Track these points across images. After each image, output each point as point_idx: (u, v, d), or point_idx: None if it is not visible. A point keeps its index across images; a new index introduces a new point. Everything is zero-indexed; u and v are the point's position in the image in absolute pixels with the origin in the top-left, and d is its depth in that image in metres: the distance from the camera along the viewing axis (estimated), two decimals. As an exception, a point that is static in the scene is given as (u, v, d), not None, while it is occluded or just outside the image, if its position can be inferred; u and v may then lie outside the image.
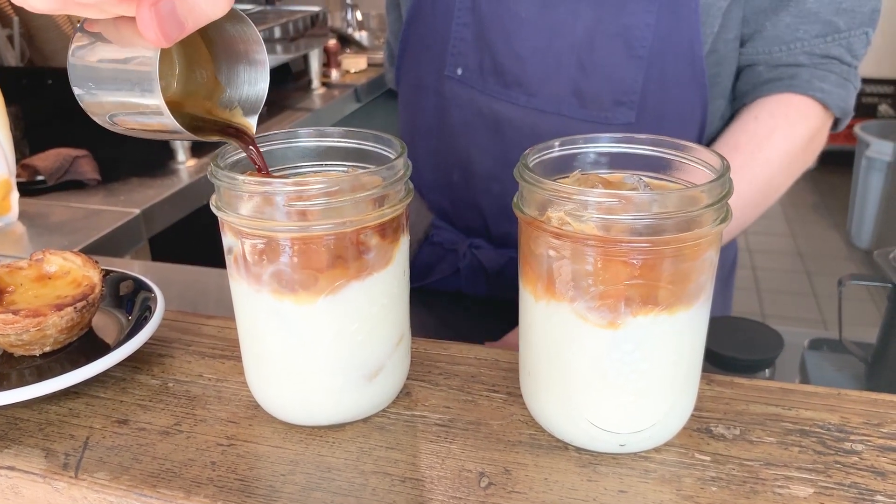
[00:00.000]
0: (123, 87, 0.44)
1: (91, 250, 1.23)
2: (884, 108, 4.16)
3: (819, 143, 0.86)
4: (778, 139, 0.82)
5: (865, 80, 4.33)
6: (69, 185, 1.47)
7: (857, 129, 3.45)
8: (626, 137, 0.52)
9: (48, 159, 1.48)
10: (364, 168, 0.53)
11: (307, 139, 0.55)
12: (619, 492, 0.48)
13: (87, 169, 1.50)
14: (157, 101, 0.43)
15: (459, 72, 0.89)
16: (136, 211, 1.38)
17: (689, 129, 0.86)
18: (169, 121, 0.44)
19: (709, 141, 0.90)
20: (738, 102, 0.88)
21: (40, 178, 1.45)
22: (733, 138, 0.83)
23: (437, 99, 0.93)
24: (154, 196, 1.45)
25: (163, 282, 0.68)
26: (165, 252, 1.48)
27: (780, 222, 3.83)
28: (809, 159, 0.86)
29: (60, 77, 1.77)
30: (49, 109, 1.75)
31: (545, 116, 0.85)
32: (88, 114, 0.47)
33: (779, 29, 0.82)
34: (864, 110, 4.13)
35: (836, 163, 4.26)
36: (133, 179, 1.54)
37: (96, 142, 1.59)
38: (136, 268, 1.14)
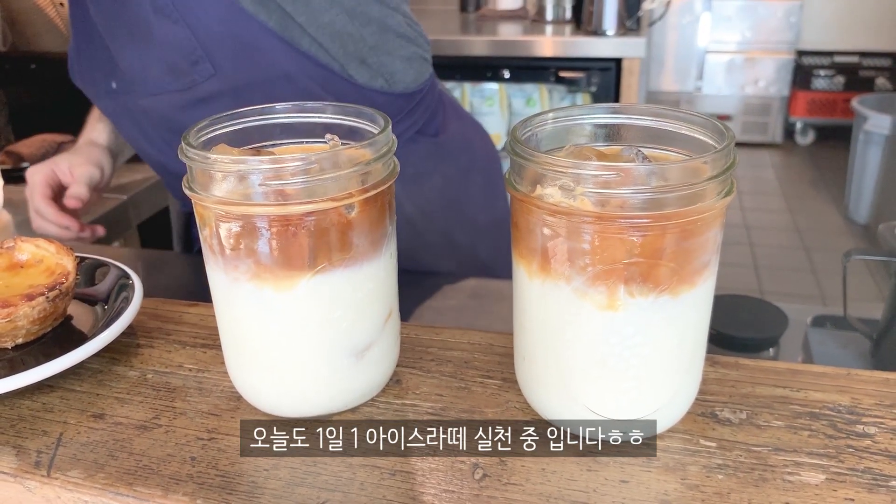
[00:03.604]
0: None
1: (79, 237, 1.20)
2: (881, 81, 4.12)
3: None
4: None
5: (863, 54, 4.31)
6: (54, 171, 1.44)
7: (854, 103, 3.40)
8: (622, 107, 0.50)
9: (33, 146, 1.45)
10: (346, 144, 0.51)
11: (285, 115, 0.53)
12: (620, 482, 0.45)
13: (73, 155, 1.47)
14: None
15: (114, 85, 0.96)
16: (124, 197, 1.35)
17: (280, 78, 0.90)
18: None
19: None
20: None
21: (25, 164, 1.42)
22: None
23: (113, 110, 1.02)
24: (142, 182, 1.42)
25: (153, 269, 0.65)
26: (155, 239, 1.45)
27: (777, 198, 3.79)
28: None
29: (44, 62, 1.74)
30: (33, 95, 1.72)
31: (156, 100, 0.92)
32: None
33: None
34: (862, 84, 4.09)
35: (833, 137, 4.22)
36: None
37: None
38: (125, 255, 1.12)
